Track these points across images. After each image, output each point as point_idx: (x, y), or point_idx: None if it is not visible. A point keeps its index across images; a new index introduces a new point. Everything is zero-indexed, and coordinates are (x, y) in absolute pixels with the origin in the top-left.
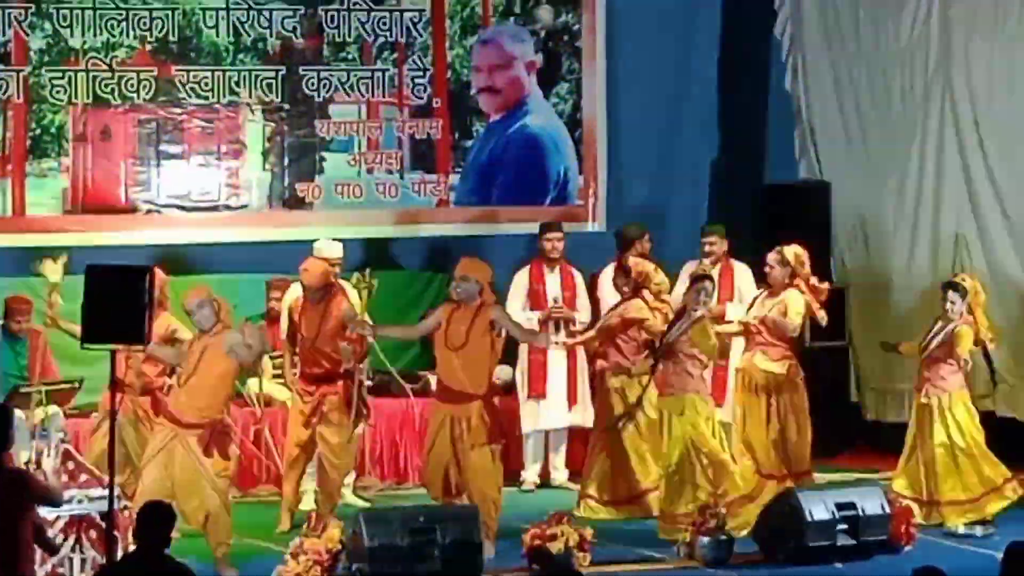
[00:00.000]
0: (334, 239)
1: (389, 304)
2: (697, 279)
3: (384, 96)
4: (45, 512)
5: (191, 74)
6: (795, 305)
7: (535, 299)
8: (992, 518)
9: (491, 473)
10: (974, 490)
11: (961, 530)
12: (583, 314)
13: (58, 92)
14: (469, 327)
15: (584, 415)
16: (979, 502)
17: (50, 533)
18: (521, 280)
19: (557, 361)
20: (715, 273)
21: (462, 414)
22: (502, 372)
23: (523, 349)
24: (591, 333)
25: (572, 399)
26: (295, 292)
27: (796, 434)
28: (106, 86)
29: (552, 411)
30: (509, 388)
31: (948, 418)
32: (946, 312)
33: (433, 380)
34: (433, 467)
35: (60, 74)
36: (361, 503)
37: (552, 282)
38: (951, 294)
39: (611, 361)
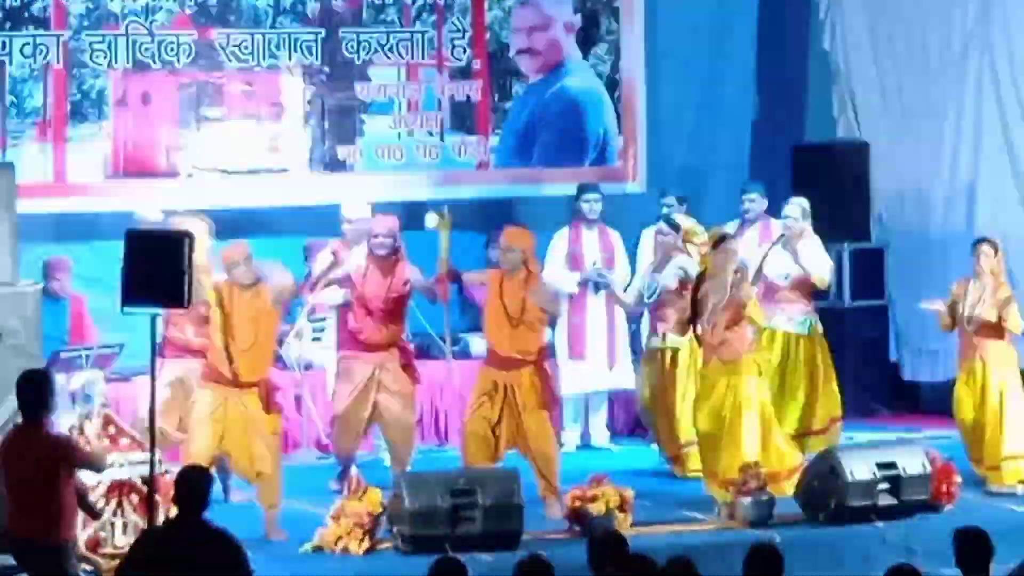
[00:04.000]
0: (370, 202)
1: (430, 266)
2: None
3: (424, 58)
4: (87, 477)
5: (231, 37)
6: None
7: (574, 261)
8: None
9: (549, 435)
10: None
11: (1004, 489)
12: (621, 275)
13: (98, 57)
14: (524, 297)
15: (624, 376)
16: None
17: (92, 498)
18: (560, 242)
19: (597, 322)
20: (755, 232)
21: (513, 380)
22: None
23: (563, 310)
24: None
25: (612, 360)
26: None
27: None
28: (146, 50)
29: (592, 373)
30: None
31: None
32: (980, 268)
33: (472, 342)
34: (475, 428)
35: (100, 38)
36: None
37: (591, 243)
38: (984, 247)
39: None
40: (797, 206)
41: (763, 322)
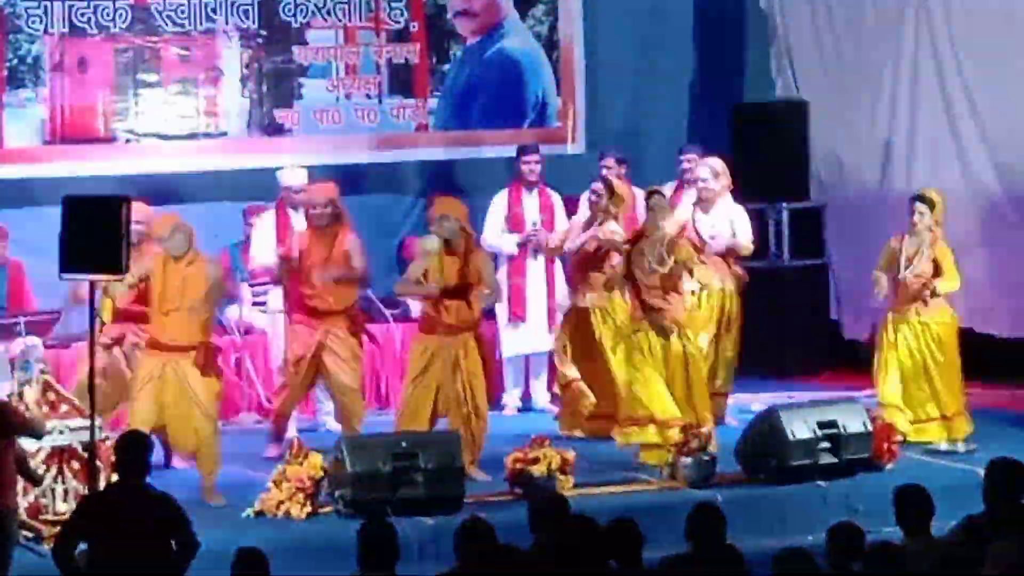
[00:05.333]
0: (310, 166)
1: (370, 230)
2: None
3: (361, 21)
4: (27, 443)
5: (167, 2)
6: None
7: (514, 222)
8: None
9: (485, 401)
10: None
11: (943, 446)
12: (561, 237)
13: (34, 22)
14: (462, 269)
15: None
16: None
17: (32, 464)
18: (499, 203)
19: (536, 284)
20: (693, 193)
21: (457, 345)
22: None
23: (503, 273)
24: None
25: (552, 323)
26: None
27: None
28: (82, 15)
29: (532, 335)
30: (488, 312)
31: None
32: (914, 225)
33: (413, 306)
34: (419, 397)
35: (36, 3)
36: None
37: (531, 205)
38: (919, 205)
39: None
40: (707, 168)
41: (712, 281)
